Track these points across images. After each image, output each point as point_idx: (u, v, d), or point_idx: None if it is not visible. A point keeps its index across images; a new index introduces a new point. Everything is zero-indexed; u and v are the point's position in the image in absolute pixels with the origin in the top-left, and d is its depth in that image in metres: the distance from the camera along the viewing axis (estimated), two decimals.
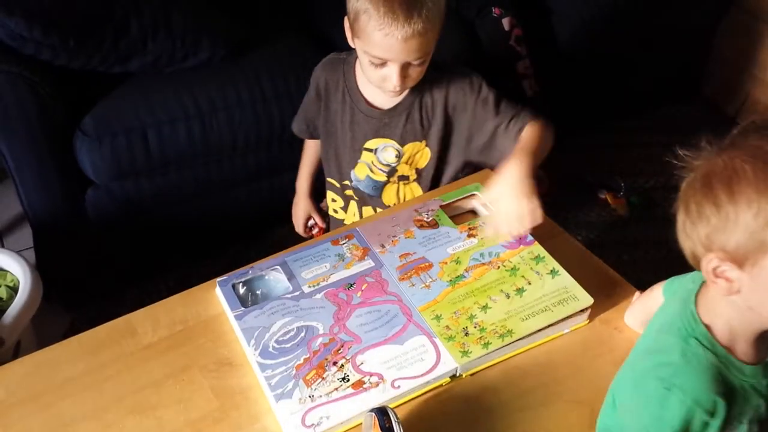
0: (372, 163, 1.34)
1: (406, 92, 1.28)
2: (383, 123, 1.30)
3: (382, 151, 1.32)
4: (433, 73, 1.27)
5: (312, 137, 1.47)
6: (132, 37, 1.63)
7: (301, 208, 1.56)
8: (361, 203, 1.41)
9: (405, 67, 1.18)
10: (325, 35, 1.97)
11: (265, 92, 1.76)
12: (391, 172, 1.35)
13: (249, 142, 1.77)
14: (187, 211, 1.81)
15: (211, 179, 1.79)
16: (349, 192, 1.41)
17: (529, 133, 1.22)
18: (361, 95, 1.30)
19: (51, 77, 1.56)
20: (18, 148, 1.56)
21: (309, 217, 1.56)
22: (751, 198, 0.67)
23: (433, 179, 1.37)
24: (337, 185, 1.42)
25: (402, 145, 1.32)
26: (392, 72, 1.18)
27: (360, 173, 1.36)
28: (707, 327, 0.78)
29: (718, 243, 0.71)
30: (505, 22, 2.03)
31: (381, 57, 1.17)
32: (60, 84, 1.59)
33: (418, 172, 1.36)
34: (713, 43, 2.55)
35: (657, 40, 2.36)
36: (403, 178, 1.36)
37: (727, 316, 0.77)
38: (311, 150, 1.51)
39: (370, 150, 1.33)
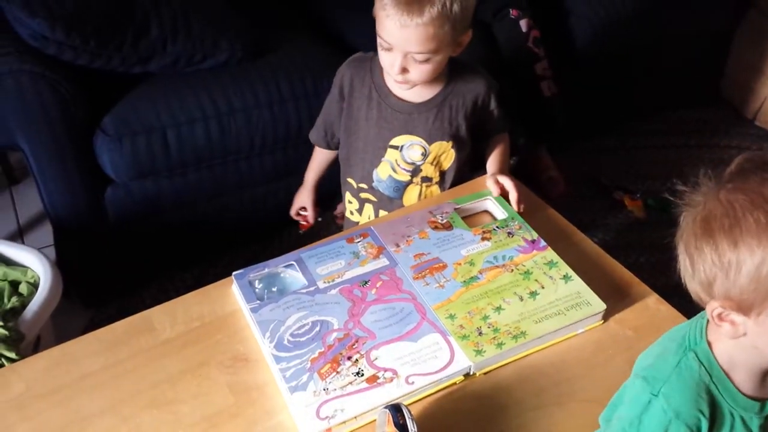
0: (396, 161, 1.34)
1: (438, 89, 1.30)
2: (412, 118, 1.31)
3: (408, 149, 1.33)
4: (462, 72, 1.31)
5: (329, 147, 1.46)
6: (152, 38, 1.65)
7: (300, 195, 1.58)
8: (379, 206, 1.41)
9: (407, 59, 1.21)
10: (341, 37, 1.99)
11: (283, 93, 1.77)
12: (415, 171, 1.36)
13: (266, 143, 1.78)
14: (205, 210, 1.83)
15: (229, 179, 1.81)
16: (364, 195, 1.41)
17: (505, 144, 1.42)
18: (389, 90, 1.31)
19: (72, 77, 1.58)
20: (39, 147, 1.58)
21: (304, 207, 1.57)
22: (754, 248, 0.65)
23: (453, 183, 1.38)
24: (354, 186, 1.42)
25: (429, 143, 1.33)
26: (395, 59, 1.21)
27: (382, 173, 1.36)
28: (710, 344, 0.76)
29: (721, 290, 0.69)
30: (523, 24, 2.03)
31: (384, 39, 1.20)
32: (81, 84, 1.61)
33: (441, 174, 1.37)
34: (731, 46, 2.53)
35: (675, 42, 2.34)
36: (426, 179, 1.37)
37: (727, 345, 0.75)
38: (321, 158, 1.51)
39: (396, 147, 1.33)
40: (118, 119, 1.63)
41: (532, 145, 2.19)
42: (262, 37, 1.84)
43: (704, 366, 0.75)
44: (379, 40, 1.22)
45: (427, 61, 1.21)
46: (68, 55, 1.57)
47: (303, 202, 1.58)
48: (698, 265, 0.70)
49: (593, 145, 2.39)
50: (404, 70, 1.22)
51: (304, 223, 1.60)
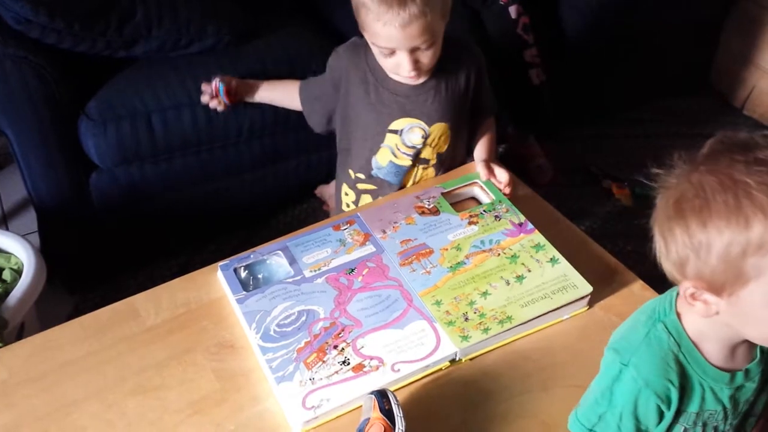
0: (396, 146, 1.33)
1: (434, 69, 1.30)
2: (410, 100, 1.31)
3: (408, 132, 1.32)
4: (453, 49, 1.30)
5: (300, 105, 1.47)
6: (137, 22, 1.62)
7: (233, 79, 1.59)
8: (378, 193, 1.39)
9: (414, 53, 1.21)
10: (329, 21, 1.97)
11: (270, 78, 1.75)
12: (416, 154, 1.35)
13: (253, 129, 1.77)
14: (191, 196, 1.81)
15: (216, 165, 1.79)
16: (362, 186, 1.40)
17: (492, 129, 1.42)
18: (385, 74, 1.30)
19: (56, 61, 1.56)
20: (23, 132, 1.56)
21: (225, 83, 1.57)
22: (722, 229, 0.66)
23: (450, 167, 1.38)
24: (352, 177, 1.41)
25: (429, 125, 1.32)
26: (403, 59, 1.21)
27: (382, 159, 1.35)
28: (679, 316, 0.78)
29: (693, 271, 0.70)
30: (512, 10, 2.02)
31: (387, 47, 1.20)
32: (65, 68, 1.59)
33: (438, 156, 1.37)
34: (721, 34, 2.54)
35: (664, 30, 2.34)
36: (423, 161, 1.37)
37: (697, 318, 0.76)
38: (287, 91, 1.52)
39: (395, 131, 1.33)
40: (103, 104, 1.61)
41: (521, 133, 2.19)
42: (249, 21, 1.82)
43: (673, 336, 0.77)
44: (377, 49, 1.22)
45: (431, 45, 1.21)
46: (52, 38, 1.55)
47: (224, 80, 1.58)
48: (671, 246, 0.71)
49: (582, 134, 2.39)
50: (415, 63, 1.22)
51: (206, 89, 1.60)
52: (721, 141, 0.71)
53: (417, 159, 1.36)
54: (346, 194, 1.45)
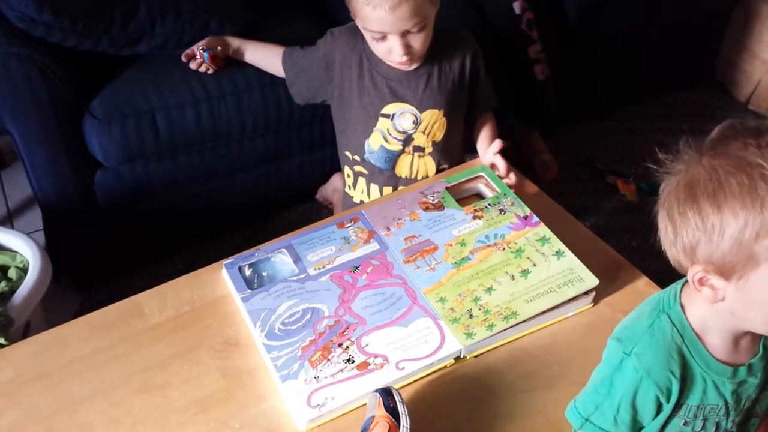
0: (387, 131, 1.35)
1: (427, 56, 1.31)
2: (402, 86, 1.33)
3: (399, 117, 1.33)
4: (447, 38, 1.32)
5: (281, 68, 1.50)
6: (141, 19, 1.62)
7: (217, 44, 1.61)
8: (370, 179, 1.41)
9: (405, 37, 1.22)
10: (332, 17, 1.97)
11: (273, 76, 1.74)
12: (407, 140, 1.36)
13: (257, 127, 1.77)
14: (195, 194, 1.81)
15: (220, 163, 1.79)
16: (358, 168, 1.42)
17: (492, 122, 1.44)
18: (380, 58, 1.32)
19: (61, 60, 1.56)
20: (27, 130, 1.56)
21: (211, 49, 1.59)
22: (737, 211, 0.66)
23: (448, 157, 1.38)
24: (350, 158, 1.43)
25: (420, 111, 1.33)
26: (394, 44, 1.23)
27: (374, 143, 1.37)
28: (683, 308, 0.78)
29: (704, 255, 0.70)
30: (517, 6, 2.01)
31: (378, 30, 1.22)
32: (69, 66, 1.59)
33: (434, 145, 1.37)
34: (727, 28, 2.52)
35: (670, 24, 2.33)
36: (418, 149, 1.37)
37: (702, 308, 0.76)
38: (269, 56, 1.54)
39: (387, 116, 1.34)
40: (107, 102, 1.61)
41: (525, 129, 2.19)
42: (253, 17, 1.82)
43: (677, 328, 0.76)
44: (369, 35, 1.24)
45: (423, 29, 1.23)
46: (56, 36, 1.55)
47: (211, 42, 1.60)
48: (681, 230, 0.71)
49: (586, 129, 2.38)
50: (407, 47, 1.23)
51: (192, 57, 1.62)
52: (730, 126, 0.71)
53: (409, 145, 1.36)
54: (348, 176, 1.47)
